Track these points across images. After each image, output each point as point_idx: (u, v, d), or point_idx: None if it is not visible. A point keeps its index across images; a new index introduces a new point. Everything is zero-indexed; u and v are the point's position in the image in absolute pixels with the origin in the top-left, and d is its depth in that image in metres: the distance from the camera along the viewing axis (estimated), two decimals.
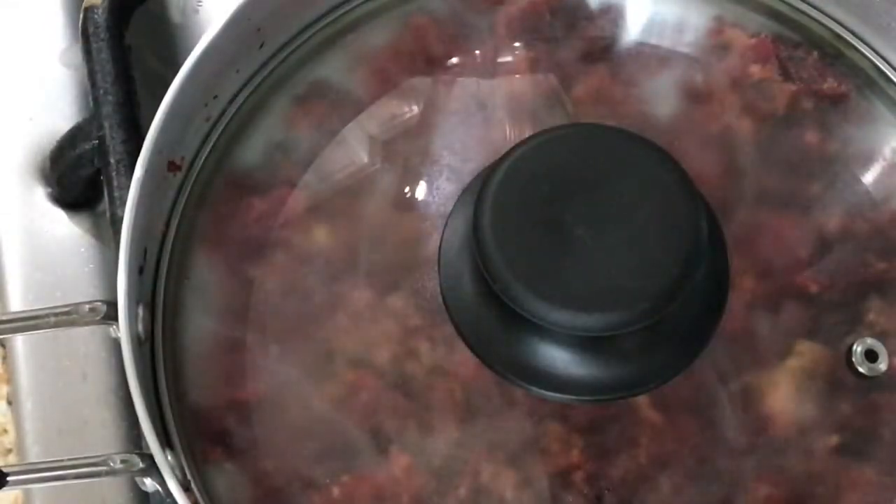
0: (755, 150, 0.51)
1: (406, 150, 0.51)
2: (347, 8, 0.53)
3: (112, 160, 0.54)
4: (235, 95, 0.52)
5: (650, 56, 0.53)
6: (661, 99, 0.52)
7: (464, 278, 0.46)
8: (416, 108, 0.52)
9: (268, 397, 0.48)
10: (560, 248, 0.43)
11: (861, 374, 0.47)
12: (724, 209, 0.48)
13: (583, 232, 0.43)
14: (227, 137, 0.51)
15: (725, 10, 0.53)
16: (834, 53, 0.53)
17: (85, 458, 0.46)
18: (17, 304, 0.58)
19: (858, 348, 0.48)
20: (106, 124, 0.55)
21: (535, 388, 0.45)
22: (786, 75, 0.52)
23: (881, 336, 0.48)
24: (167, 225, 0.50)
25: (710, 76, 0.52)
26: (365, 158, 0.51)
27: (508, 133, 0.51)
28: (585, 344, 0.45)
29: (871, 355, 0.48)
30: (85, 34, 0.57)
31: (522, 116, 0.51)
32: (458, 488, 0.46)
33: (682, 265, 0.43)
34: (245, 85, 0.52)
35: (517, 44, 0.53)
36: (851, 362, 0.48)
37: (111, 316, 0.46)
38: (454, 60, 0.53)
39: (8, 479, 0.44)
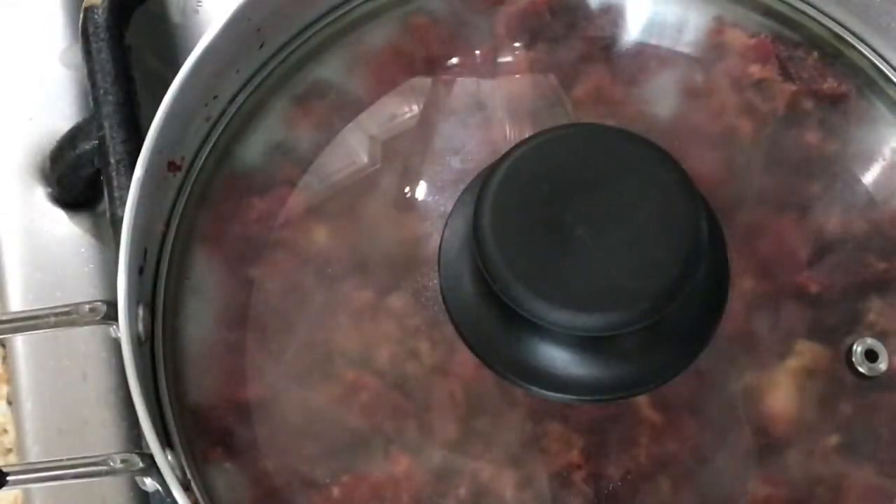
0: (755, 150, 0.51)
1: (406, 150, 0.51)
2: (347, 8, 0.53)
3: (112, 160, 0.54)
4: (235, 95, 0.52)
5: (650, 56, 0.53)
6: (661, 99, 0.52)
7: (464, 278, 0.46)
8: (416, 108, 0.52)
9: (268, 397, 0.48)
10: (560, 248, 0.43)
11: (861, 374, 0.47)
12: (724, 209, 0.48)
13: (583, 232, 0.43)
14: (227, 137, 0.51)
15: (725, 10, 0.53)
16: (834, 53, 0.53)
17: (85, 458, 0.46)
18: (17, 304, 0.58)
19: (858, 348, 0.48)
20: (106, 124, 0.55)
21: (535, 388, 0.45)
22: (786, 75, 0.52)
23: (881, 336, 0.48)
24: (167, 225, 0.50)
25: (710, 76, 0.52)
26: (365, 158, 0.51)
27: (508, 133, 0.51)
28: (585, 344, 0.45)
29: (871, 355, 0.48)
30: (85, 34, 0.57)
31: (522, 116, 0.51)
32: (458, 488, 0.46)
33: (682, 265, 0.43)
34: (245, 85, 0.52)
35: (517, 44, 0.53)
36: (851, 362, 0.48)
37: (111, 316, 0.46)
38: (454, 60, 0.53)
39: (8, 479, 0.44)
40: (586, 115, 0.51)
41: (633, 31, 0.53)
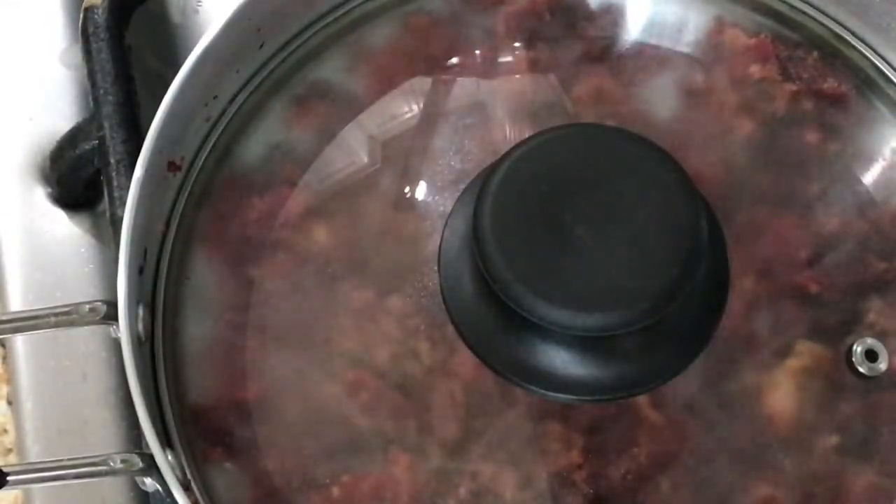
0: (755, 150, 0.51)
1: (406, 150, 0.51)
2: (347, 8, 0.53)
3: (112, 160, 0.54)
4: (235, 95, 0.52)
5: (650, 56, 0.53)
6: (661, 99, 0.52)
7: (464, 278, 0.46)
8: (416, 108, 0.52)
9: (268, 397, 0.48)
10: (560, 248, 0.43)
11: (861, 374, 0.47)
12: (724, 209, 0.48)
13: (583, 232, 0.43)
14: (227, 137, 0.51)
15: (725, 10, 0.53)
16: (834, 53, 0.53)
17: (85, 458, 0.46)
18: (17, 304, 0.58)
19: (858, 348, 0.48)
20: (106, 124, 0.55)
21: (535, 388, 0.45)
22: (786, 75, 0.52)
23: (881, 336, 0.48)
24: (167, 225, 0.50)
25: (710, 76, 0.52)
26: (365, 158, 0.51)
27: (508, 133, 0.51)
28: (585, 344, 0.45)
29: (871, 355, 0.48)
30: (85, 34, 0.57)
31: (522, 116, 0.51)
32: (458, 488, 0.46)
33: (682, 265, 0.43)
34: (245, 85, 0.52)
35: (517, 44, 0.53)
36: (851, 362, 0.48)
37: (111, 316, 0.46)
38: (454, 60, 0.53)
39: (8, 479, 0.44)
40: (586, 115, 0.51)
41: (633, 31, 0.53)
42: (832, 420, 0.47)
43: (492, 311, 0.45)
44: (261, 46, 0.52)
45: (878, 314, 0.48)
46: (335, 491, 0.46)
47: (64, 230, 0.59)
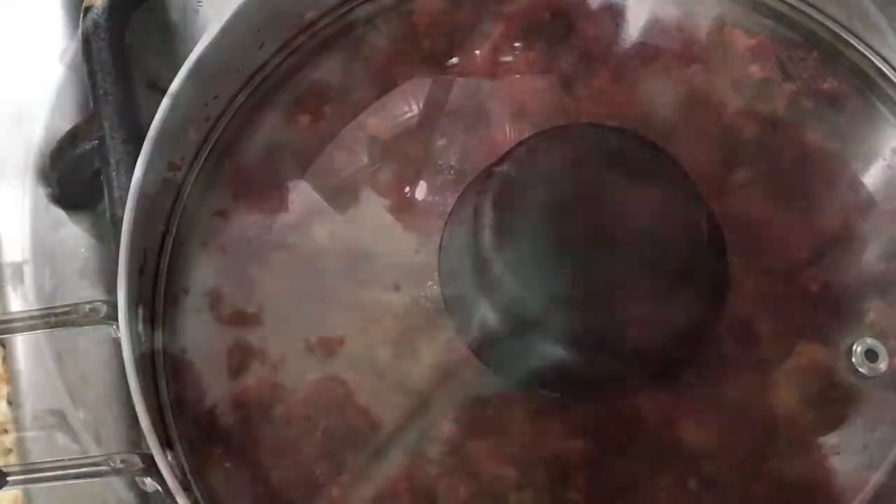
0: (755, 150, 0.51)
1: (406, 150, 0.51)
2: (347, 8, 0.53)
3: (112, 160, 0.54)
4: (235, 95, 0.52)
5: (650, 56, 0.53)
6: (661, 99, 0.52)
7: (464, 279, 0.46)
8: (416, 108, 0.52)
9: (268, 397, 0.48)
10: (560, 248, 0.43)
11: (861, 374, 0.48)
12: (724, 209, 0.48)
13: (583, 232, 0.43)
14: (227, 137, 0.51)
15: (725, 10, 0.53)
16: (834, 53, 0.53)
17: (85, 458, 0.46)
18: (17, 304, 0.58)
19: (858, 348, 0.48)
20: (106, 124, 0.55)
21: (535, 388, 0.45)
22: (786, 75, 0.52)
23: (881, 336, 0.48)
24: (167, 225, 0.50)
25: (710, 76, 0.52)
26: (365, 158, 0.51)
27: (508, 133, 0.51)
28: (585, 344, 0.45)
29: (871, 355, 0.48)
30: (85, 34, 0.57)
31: (522, 116, 0.51)
32: (458, 488, 0.46)
33: (682, 265, 0.43)
34: (245, 85, 0.52)
35: (517, 44, 0.53)
36: (851, 362, 0.48)
37: (111, 316, 0.46)
38: (454, 60, 0.53)
39: (8, 479, 0.44)
40: (586, 115, 0.51)
41: (633, 31, 0.53)
42: (832, 420, 0.47)
43: (492, 312, 0.45)
44: (261, 46, 0.52)
45: (878, 314, 0.48)
46: (335, 491, 0.46)
47: (64, 230, 0.59)
